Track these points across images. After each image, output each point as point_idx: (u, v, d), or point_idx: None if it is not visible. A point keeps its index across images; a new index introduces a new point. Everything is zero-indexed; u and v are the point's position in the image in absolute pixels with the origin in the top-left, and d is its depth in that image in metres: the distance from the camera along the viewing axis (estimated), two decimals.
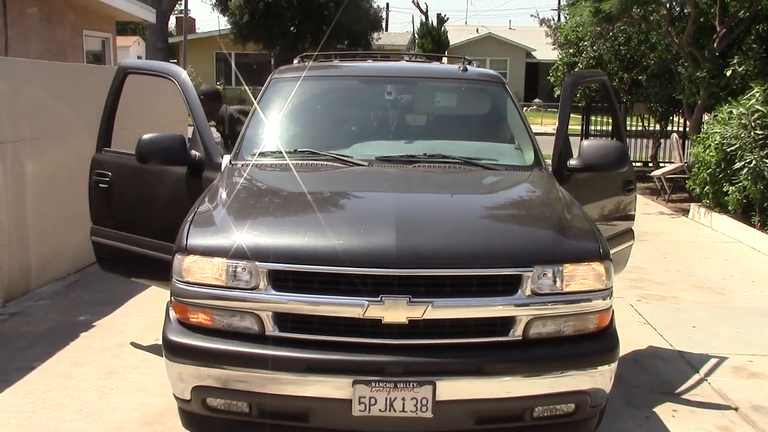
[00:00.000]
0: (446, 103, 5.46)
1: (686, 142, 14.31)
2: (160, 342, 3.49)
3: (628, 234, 5.39)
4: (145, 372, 4.85)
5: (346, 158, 4.39)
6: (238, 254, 3.24)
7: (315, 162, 4.40)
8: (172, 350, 3.35)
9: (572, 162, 4.59)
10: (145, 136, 4.46)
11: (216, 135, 6.66)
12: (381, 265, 3.17)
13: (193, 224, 3.50)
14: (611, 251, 3.63)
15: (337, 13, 25.47)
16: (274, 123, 4.76)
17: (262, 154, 4.49)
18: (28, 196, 6.41)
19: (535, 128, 5.18)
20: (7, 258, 6.18)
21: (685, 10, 13.28)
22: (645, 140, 16.67)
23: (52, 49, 11.57)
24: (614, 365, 3.43)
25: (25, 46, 10.81)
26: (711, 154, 10.11)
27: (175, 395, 3.45)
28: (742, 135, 9.31)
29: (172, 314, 3.45)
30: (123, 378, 4.77)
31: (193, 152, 4.54)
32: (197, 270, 3.31)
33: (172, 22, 32.24)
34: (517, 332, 3.27)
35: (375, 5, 29.95)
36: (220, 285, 3.27)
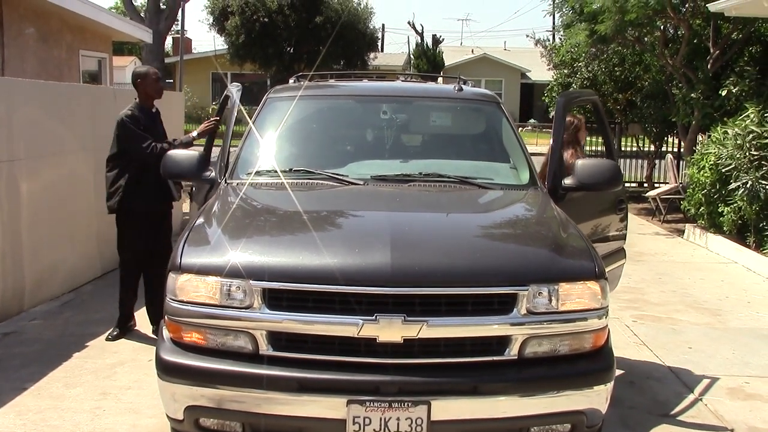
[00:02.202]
0: (441, 123, 5.47)
1: (681, 162, 14.35)
2: (153, 362, 3.46)
3: (620, 253, 5.38)
4: (138, 393, 4.80)
5: (341, 177, 4.38)
6: (233, 273, 3.23)
7: (310, 181, 4.39)
8: (166, 370, 3.32)
9: (567, 181, 4.59)
10: (170, 152, 4.70)
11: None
12: (376, 283, 3.16)
13: (187, 243, 3.48)
14: None
15: (333, 33, 25.63)
16: (269, 142, 4.76)
17: (257, 173, 4.49)
18: (23, 216, 6.39)
19: (530, 148, 5.19)
20: (1, 277, 6.14)
21: (679, 32, 13.38)
22: (640, 161, 16.72)
23: (48, 69, 11.59)
24: (610, 385, 3.41)
25: (22, 65, 10.83)
26: (706, 174, 10.14)
27: (168, 415, 3.42)
28: (738, 155, 9.35)
29: (166, 333, 3.43)
30: (116, 399, 4.72)
31: (207, 172, 4.54)
32: (191, 289, 3.29)
33: (168, 42, 32.36)
34: (512, 351, 3.25)
35: (371, 26, 30.16)
36: (214, 304, 3.25)
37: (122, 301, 5.95)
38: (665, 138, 15.82)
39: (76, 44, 12.57)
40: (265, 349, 3.21)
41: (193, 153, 4.66)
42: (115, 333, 5.88)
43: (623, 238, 5.47)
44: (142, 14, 21.60)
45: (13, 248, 6.33)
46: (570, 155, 5.43)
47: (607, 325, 3.48)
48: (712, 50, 12.24)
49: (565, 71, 16.75)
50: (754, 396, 5.05)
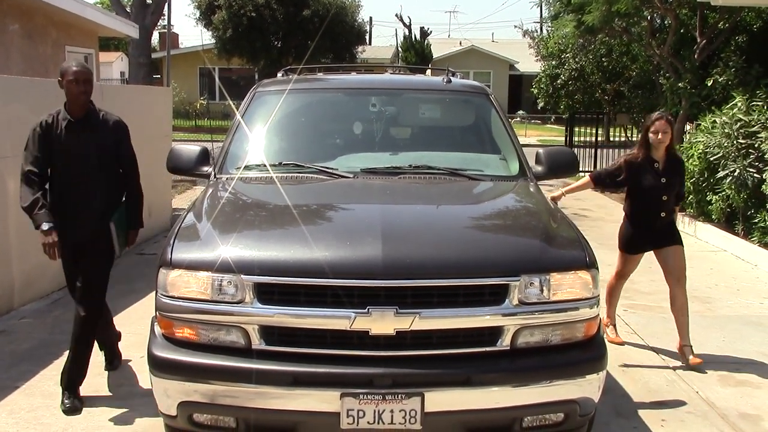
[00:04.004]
0: (431, 115, 5.46)
1: None
2: (145, 359, 3.45)
3: None
4: (130, 390, 4.79)
5: (331, 170, 4.38)
6: (223, 268, 3.22)
7: (300, 174, 4.39)
8: (158, 366, 3.32)
9: (538, 169, 4.71)
10: (174, 146, 4.81)
11: None
12: (367, 276, 3.16)
13: (177, 238, 3.47)
14: None
15: (321, 27, 25.56)
16: (258, 136, 4.75)
17: (246, 168, 4.48)
18: (10, 213, 6.35)
19: (519, 140, 5.20)
20: None
21: (666, 22, 13.43)
22: (628, 151, 16.75)
23: (34, 66, 11.50)
24: (603, 374, 3.43)
25: (6, 62, 10.74)
26: (694, 163, 10.18)
27: (161, 411, 3.41)
28: (726, 144, 9.39)
29: (157, 329, 3.42)
30: (108, 396, 4.71)
31: (206, 168, 4.60)
32: (182, 284, 3.28)
33: (155, 37, 32.17)
34: (504, 342, 3.26)
35: (359, 19, 30.09)
36: (206, 299, 3.25)
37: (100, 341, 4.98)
38: None
39: (61, 40, 12.47)
40: (257, 343, 3.21)
41: (194, 147, 4.70)
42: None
43: None
44: (128, 9, 21.44)
45: (2, 247, 6.29)
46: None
47: (598, 314, 3.50)
48: (698, 40, 12.28)
49: (553, 62, 16.80)
50: (744, 382, 5.09)
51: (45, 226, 4.29)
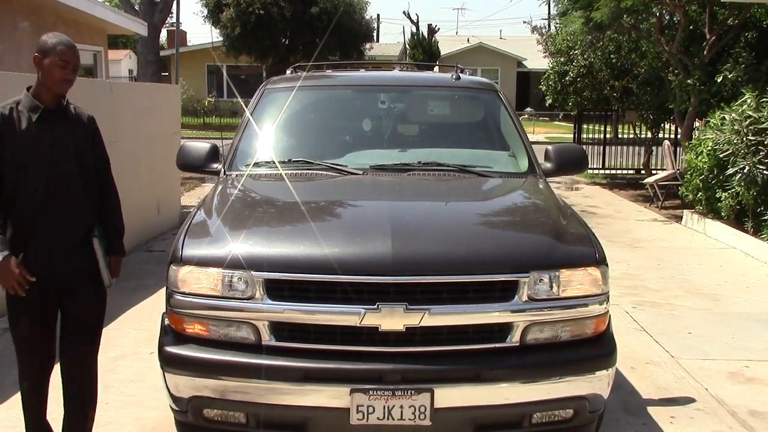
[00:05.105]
0: (440, 111, 5.47)
1: (678, 148, 14.37)
2: (155, 355, 3.47)
3: None
4: (140, 385, 4.81)
5: (340, 167, 4.39)
6: (234, 264, 3.23)
7: (309, 171, 4.39)
8: (168, 361, 3.33)
9: (547, 166, 4.69)
10: (184, 144, 4.74)
11: None
12: (377, 272, 3.16)
13: (188, 235, 3.48)
14: None
15: (329, 24, 25.57)
16: (267, 133, 4.76)
17: (256, 164, 4.49)
18: None
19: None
20: None
21: (674, 18, 13.37)
22: (637, 148, 16.74)
23: None
24: (612, 370, 3.42)
25: (17, 59, 10.79)
26: (703, 160, 10.15)
27: (171, 407, 3.43)
28: (735, 141, 9.35)
29: (168, 325, 3.43)
30: (118, 392, 4.73)
31: (215, 165, 4.61)
32: (193, 280, 3.29)
33: (163, 35, 32.23)
34: (514, 338, 3.26)
35: (366, 16, 30.10)
36: (216, 295, 3.26)
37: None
38: (662, 124, 15.82)
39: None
40: (267, 339, 3.22)
41: (204, 144, 4.70)
42: None
43: None
44: (136, 7, 21.50)
45: None
46: None
47: (608, 311, 3.50)
48: (708, 36, 12.23)
49: (562, 59, 16.74)
50: (754, 380, 5.08)
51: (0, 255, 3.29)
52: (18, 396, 3.91)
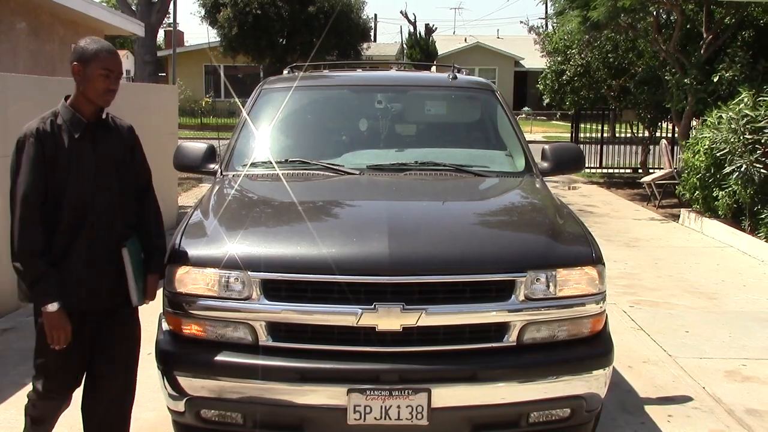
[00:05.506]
0: (436, 111, 5.47)
1: (675, 147, 14.38)
2: (152, 355, 3.46)
3: None
4: (138, 386, 4.79)
5: (337, 167, 4.39)
6: (230, 264, 3.23)
7: (306, 171, 4.40)
8: (166, 362, 3.33)
9: (544, 165, 4.71)
10: (181, 144, 4.73)
11: None
12: (374, 272, 3.16)
13: (184, 235, 3.48)
14: None
15: (327, 24, 25.57)
16: (264, 133, 4.76)
17: (252, 165, 4.49)
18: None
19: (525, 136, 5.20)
20: None
21: (671, 18, 13.38)
22: (634, 147, 16.76)
23: (41, 64, 11.54)
24: (609, 369, 3.43)
25: (14, 60, 10.79)
26: (700, 159, 10.16)
27: (168, 407, 3.43)
28: (732, 139, 9.36)
29: (165, 326, 3.43)
30: None
31: (212, 165, 4.60)
32: (189, 281, 3.29)
33: (160, 35, 32.23)
34: (511, 338, 3.26)
35: (364, 16, 30.10)
36: (213, 296, 3.26)
37: None
38: (659, 123, 15.84)
39: (68, 38, 12.51)
40: (264, 339, 3.22)
41: (201, 145, 4.69)
42: None
43: None
44: (133, 7, 21.51)
45: (6, 241, 6.30)
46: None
47: (604, 310, 3.50)
48: (705, 35, 12.24)
49: (559, 58, 16.74)
50: (751, 378, 5.09)
51: (53, 307, 3.07)
52: (20, 394, 3.88)
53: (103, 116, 3.26)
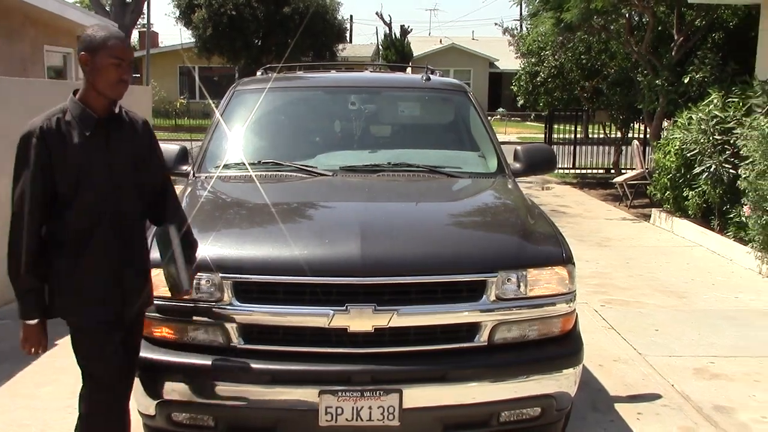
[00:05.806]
0: (410, 112, 5.49)
1: (647, 148, 14.53)
2: None
3: None
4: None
5: (310, 169, 4.39)
6: (202, 266, 3.23)
7: (279, 173, 4.40)
8: (137, 365, 3.31)
9: (516, 166, 4.74)
10: None
11: None
12: (346, 273, 3.18)
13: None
14: None
15: (302, 25, 25.52)
16: (237, 134, 4.75)
17: (225, 166, 4.48)
18: None
19: (499, 137, 5.25)
20: None
21: (643, 20, 13.52)
22: (607, 147, 16.90)
23: (12, 65, 11.41)
24: (579, 368, 3.47)
25: None
26: (671, 159, 10.28)
27: (139, 411, 3.41)
28: (702, 140, 9.48)
29: None
30: None
31: (185, 167, 4.56)
32: (160, 284, 3.27)
33: (134, 36, 31.95)
34: (482, 338, 3.29)
35: (339, 17, 30.08)
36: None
37: None
38: (631, 124, 15.99)
39: (40, 39, 12.38)
40: (236, 341, 3.22)
41: (173, 146, 4.60)
42: None
43: None
44: (107, 8, 21.32)
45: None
46: None
47: (575, 310, 3.54)
48: (676, 37, 12.38)
49: (533, 60, 16.86)
50: (719, 375, 5.16)
51: (32, 321, 2.96)
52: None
53: (116, 110, 2.99)
